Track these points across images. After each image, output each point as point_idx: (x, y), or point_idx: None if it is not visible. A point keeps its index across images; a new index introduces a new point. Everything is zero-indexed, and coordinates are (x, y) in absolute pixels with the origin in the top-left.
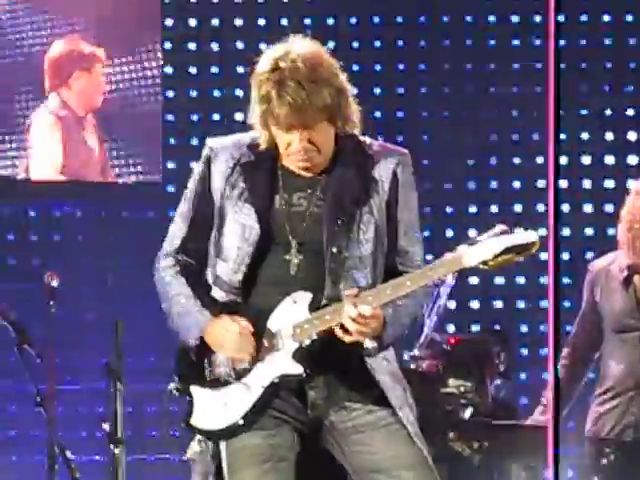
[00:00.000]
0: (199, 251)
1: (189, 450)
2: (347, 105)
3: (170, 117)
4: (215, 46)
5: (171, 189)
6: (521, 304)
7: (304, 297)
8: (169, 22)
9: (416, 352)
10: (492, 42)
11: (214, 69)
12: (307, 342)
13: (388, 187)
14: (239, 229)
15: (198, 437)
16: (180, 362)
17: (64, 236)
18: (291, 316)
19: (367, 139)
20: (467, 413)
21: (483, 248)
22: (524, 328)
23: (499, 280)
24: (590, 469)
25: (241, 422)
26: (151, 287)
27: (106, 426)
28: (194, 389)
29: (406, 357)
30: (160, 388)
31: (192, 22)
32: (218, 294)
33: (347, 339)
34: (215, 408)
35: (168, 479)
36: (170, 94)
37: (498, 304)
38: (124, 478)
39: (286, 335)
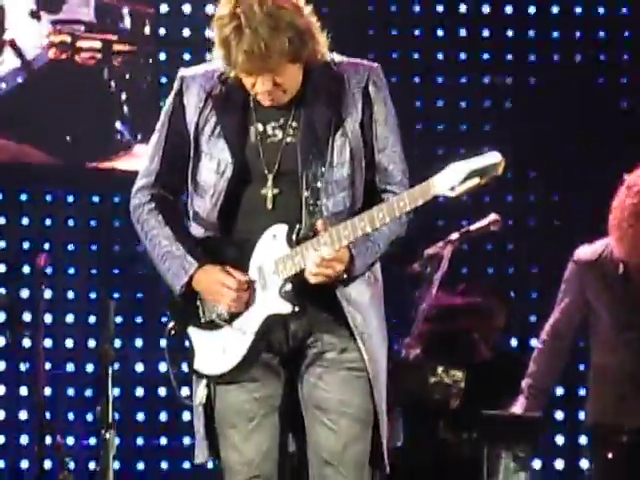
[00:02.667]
0: (174, 184)
1: (196, 396)
2: (314, 41)
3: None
4: None
5: None
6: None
7: (282, 230)
8: None
9: (407, 340)
10: None
11: None
12: (290, 278)
13: (360, 105)
14: (214, 164)
15: (204, 382)
16: (174, 302)
17: (55, 220)
18: (272, 251)
19: (336, 57)
20: (457, 402)
21: (450, 173)
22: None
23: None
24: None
25: (239, 367)
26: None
27: (97, 409)
28: (191, 330)
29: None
30: (148, 370)
31: None
32: (197, 230)
33: (312, 281)
34: (214, 352)
35: (158, 463)
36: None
37: (510, 270)
38: (113, 462)
39: (269, 272)
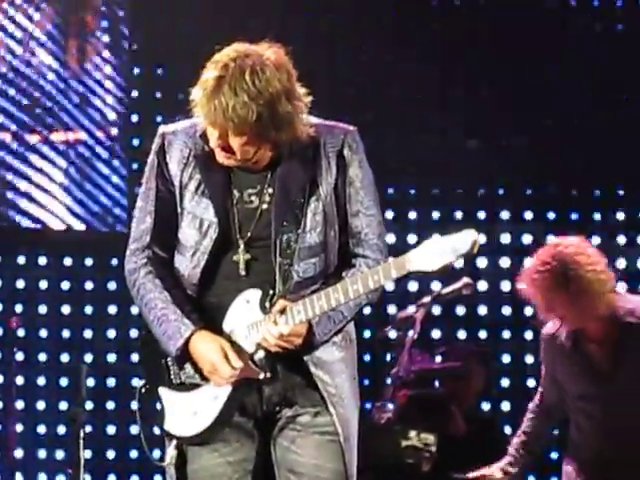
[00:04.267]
0: (167, 241)
1: (167, 456)
2: (289, 128)
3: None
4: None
5: None
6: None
7: (255, 295)
8: None
9: (379, 404)
10: None
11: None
12: (261, 345)
13: (335, 169)
14: (196, 222)
15: (174, 442)
16: (145, 362)
17: (27, 283)
18: (244, 316)
19: (312, 120)
20: (429, 466)
21: (425, 250)
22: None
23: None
24: None
25: (210, 429)
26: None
27: (69, 471)
28: (162, 391)
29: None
30: (119, 433)
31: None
32: None
33: (273, 350)
34: (185, 414)
35: None
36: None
37: (482, 334)
38: None
39: (241, 337)
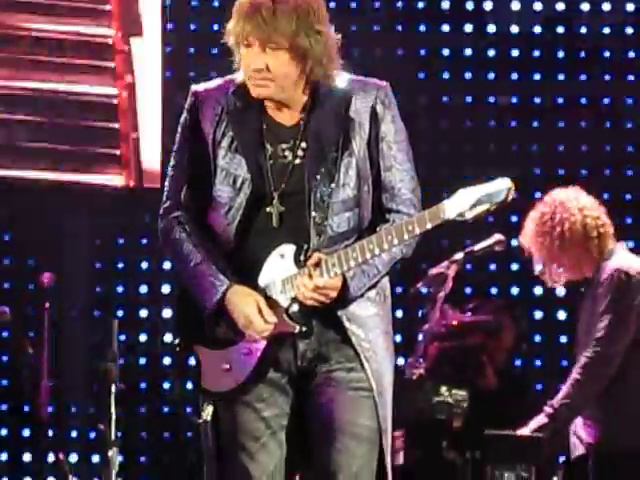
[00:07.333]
0: (201, 200)
1: (203, 412)
2: (324, 50)
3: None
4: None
5: None
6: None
7: (290, 250)
8: None
9: (411, 359)
10: None
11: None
12: (297, 298)
13: (368, 124)
14: (230, 179)
15: (209, 398)
16: (180, 319)
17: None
18: (279, 271)
19: (344, 75)
20: (460, 422)
21: (459, 199)
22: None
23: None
24: None
25: (244, 385)
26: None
27: (100, 427)
28: (197, 348)
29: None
30: (153, 390)
31: None
32: None
33: (308, 303)
34: (219, 370)
35: None
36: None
37: (514, 291)
38: None
39: (276, 291)
